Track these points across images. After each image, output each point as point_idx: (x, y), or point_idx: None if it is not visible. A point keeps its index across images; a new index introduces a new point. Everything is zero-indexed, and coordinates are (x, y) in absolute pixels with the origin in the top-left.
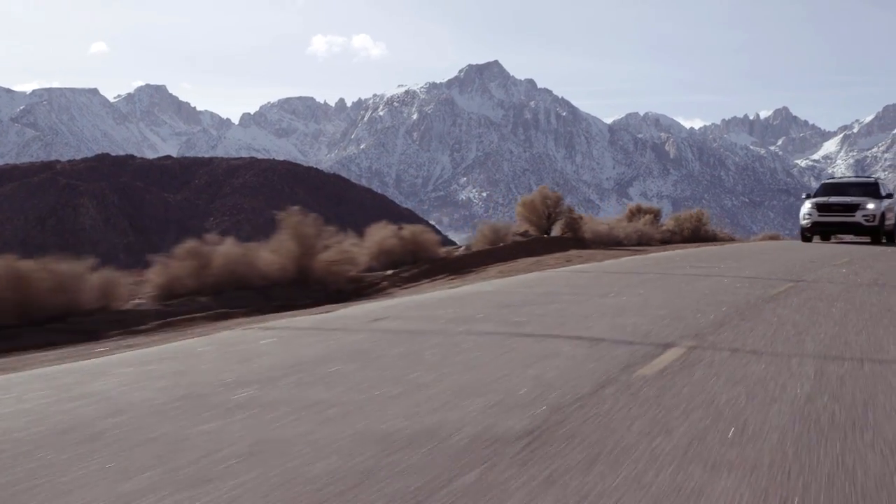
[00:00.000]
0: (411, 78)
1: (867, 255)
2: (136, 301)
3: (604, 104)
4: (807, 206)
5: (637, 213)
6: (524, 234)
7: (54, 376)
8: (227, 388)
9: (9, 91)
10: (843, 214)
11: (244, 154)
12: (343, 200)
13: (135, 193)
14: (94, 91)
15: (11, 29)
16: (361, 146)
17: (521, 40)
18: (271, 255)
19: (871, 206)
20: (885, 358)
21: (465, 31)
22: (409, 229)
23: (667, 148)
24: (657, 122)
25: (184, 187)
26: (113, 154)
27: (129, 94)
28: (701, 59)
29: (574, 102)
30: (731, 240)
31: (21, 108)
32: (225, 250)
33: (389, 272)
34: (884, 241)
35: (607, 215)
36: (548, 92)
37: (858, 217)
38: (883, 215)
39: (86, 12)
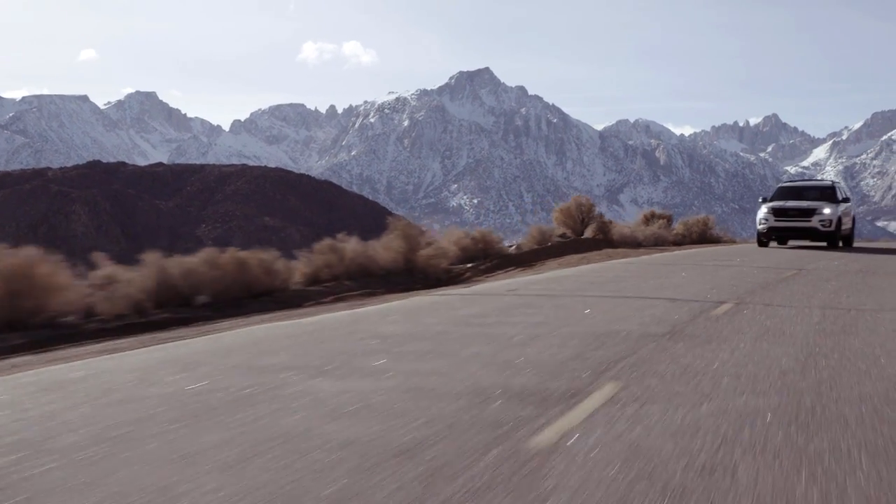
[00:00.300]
0: (402, 85)
1: (847, 257)
2: (295, 283)
3: (594, 111)
4: (763, 211)
5: (651, 218)
6: (562, 235)
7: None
8: (475, 318)
9: None
10: (800, 220)
11: (235, 161)
12: (335, 207)
13: (127, 200)
14: (84, 98)
15: (3, 37)
16: (352, 153)
17: (512, 47)
18: (384, 251)
19: (827, 211)
20: (864, 308)
21: (456, 38)
22: (478, 231)
23: (657, 154)
24: (647, 128)
25: (176, 194)
26: (104, 161)
27: (119, 101)
28: (691, 66)
29: (565, 109)
30: (732, 241)
31: (10, 114)
32: (351, 246)
33: (469, 265)
34: (840, 245)
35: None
36: (538, 99)
37: (815, 222)
38: (839, 220)
39: (75, 19)
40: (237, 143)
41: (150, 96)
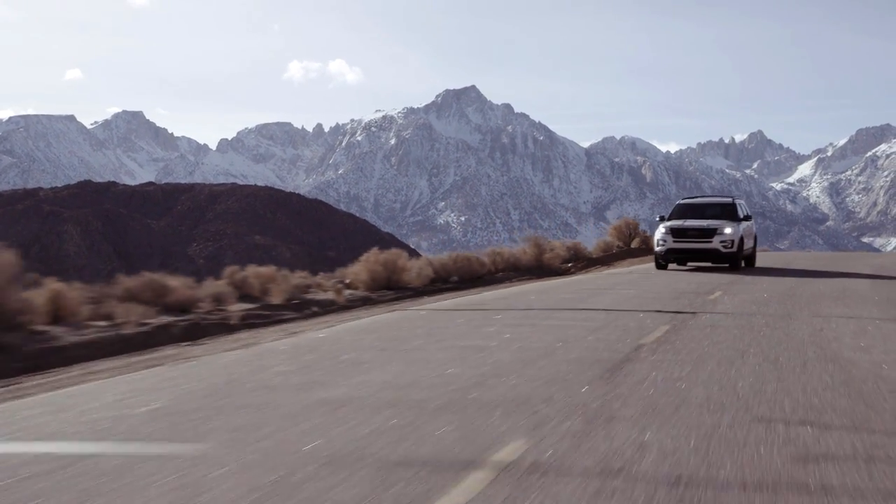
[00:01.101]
0: (388, 103)
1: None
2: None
3: (580, 128)
4: (661, 231)
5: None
6: (618, 247)
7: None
8: (620, 278)
9: None
10: (700, 240)
11: (222, 179)
12: (325, 225)
13: (118, 220)
14: (71, 118)
15: None
16: (339, 171)
17: (499, 65)
18: (523, 254)
19: (728, 230)
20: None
21: (442, 56)
22: (572, 242)
23: (643, 171)
24: (633, 145)
25: (166, 213)
26: (95, 181)
27: (105, 121)
28: (677, 84)
29: (551, 126)
30: None
31: None
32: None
33: (570, 265)
34: (742, 265)
35: (585, 239)
36: (525, 116)
37: (716, 243)
38: (741, 240)
39: (60, 39)
40: (224, 161)
41: (137, 115)
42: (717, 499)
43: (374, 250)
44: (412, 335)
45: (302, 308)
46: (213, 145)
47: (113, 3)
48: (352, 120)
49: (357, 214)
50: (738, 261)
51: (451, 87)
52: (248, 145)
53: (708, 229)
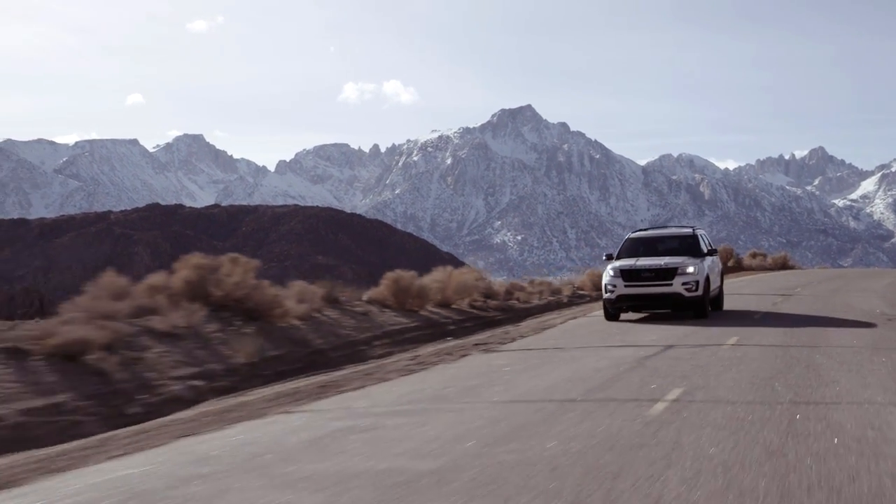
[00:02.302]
0: (444, 123)
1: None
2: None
3: (637, 146)
4: (608, 274)
5: (755, 255)
6: (724, 263)
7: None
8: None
9: (52, 143)
10: (658, 284)
11: (281, 201)
12: (385, 245)
13: (185, 241)
14: (134, 141)
15: (52, 84)
16: (396, 191)
17: (554, 84)
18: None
19: (691, 269)
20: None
21: (497, 76)
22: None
23: (701, 189)
24: (691, 163)
25: (231, 235)
26: (162, 203)
27: (167, 144)
28: (733, 100)
29: (607, 145)
30: (791, 267)
31: (64, 159)
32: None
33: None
34: (709, 310)
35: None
36: (581, 135)
37: (678, 286)
38: (707, 280)
39: (121, 65)
40: (283, 183)
41: (198, 138)
42: None
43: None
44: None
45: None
46: (271, 167)
47: (172, 29)
48: (408, 140)
49: (414, 234)
50: (704, 307)
51: (507, 107)
52: (305, 166)
53: (666, 269)
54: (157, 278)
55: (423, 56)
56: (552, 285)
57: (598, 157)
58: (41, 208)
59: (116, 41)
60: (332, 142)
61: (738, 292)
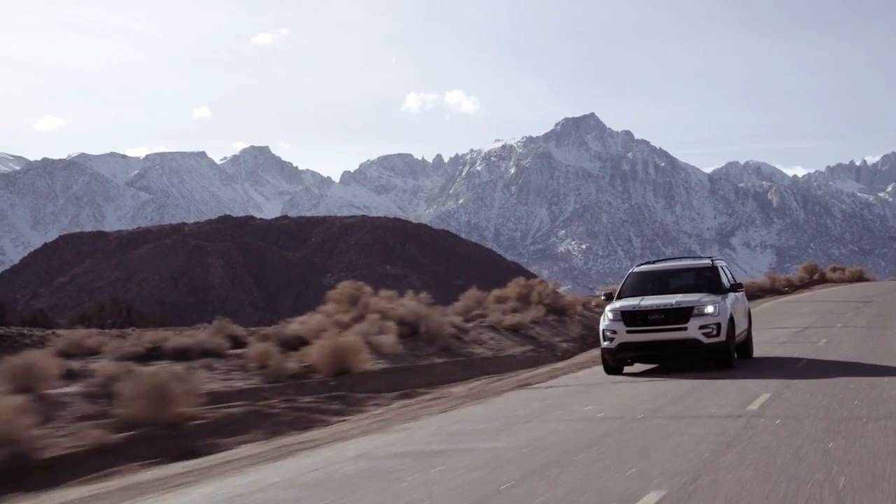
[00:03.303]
0: (506, 132)
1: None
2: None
3: (702, 153)
4: (607, 318)
5: (834, 270)
6: (811, 277)
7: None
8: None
9: (124, 157)
10: (669, 328)
11: (345, 211)
12: (452, 255)
13: (257, 252)
14: (202, 154)
15: (122, 98)
16: (460, 201)
17: (617, 92)
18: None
19: (710, 308)
20: None
21: (560, 84)
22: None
23: (769, 196)
24: (758, 170)
25: (301, 245)
26: (234, 215)
27: (234, 156)
28: (802, 105)
29: (672, 152)
30: (867, 279)
31: (135, 172)
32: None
33: (786, 288)
34: (734, 358)
35: None
36: (645, 143)
37: (694, 331)
38: (731, 322)
39: (188, 79)
40: (347, 193)
41: (264, 150)
42: None
43: None
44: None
45: None
46: (336, 178)
47: (237, 43)
48: (471, 150)
49: (479, 244)
50: (728, 356)
51: (570, 115)
52: (369, 177)
53: (679, 310)
54: (498, 291)
55: (484, 65)
56: None
57: (663, 165)
58: (114, 220)
59: (183, 56)
60: (396, 152)
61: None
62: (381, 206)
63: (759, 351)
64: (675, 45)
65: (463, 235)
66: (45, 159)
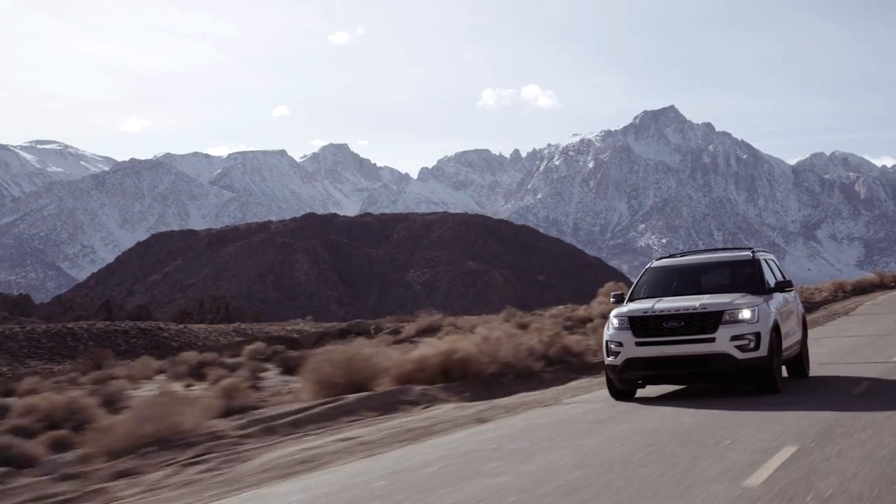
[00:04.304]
0: (584, 126)
1: None
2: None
3: (786, 145)
4: (612, 325)
5: None
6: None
7: None
8: None
9: (207, 156)
10: (691, 339)
11: (423, 208)
12: (533, 250)
13: (341, 249)
14: (283, 153)
15: (203, 98)
16: (538, 196)
17: (697, 83)
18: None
19: (746, 313)
20: None
21: (638, 77)
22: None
23: (856, 188)
24: (845, 161)
25: (384, 242)
26: (318, 213)
27: (313, 154)
28: (889, 94)
29: (754, 144)
30: None
31: (218, 171)
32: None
33: (893, 283)
34: (781, 378)
35: (794, 259)
36: (727, 135)
37: (724, 342)
38: (775, 331)
39: (267, 78)
40: (425, 189)
41: (342, 148)
42: None
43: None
44: None
45: None
46: (413, 174)
47: (315, 42)
48: (549, 144)
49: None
50: (771, 375)
51: (649, 108)
52: (447, 173)
53: (704, 314)
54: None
55: (560, 59)
56: None
57: (745, 157)
58: (198, 219)
59: (262, 56)
60: (473, 148)
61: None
62: (459, 202)
63: (817, 367)
64: (757, 35)
65: (541, 230)
66: (132, 160)
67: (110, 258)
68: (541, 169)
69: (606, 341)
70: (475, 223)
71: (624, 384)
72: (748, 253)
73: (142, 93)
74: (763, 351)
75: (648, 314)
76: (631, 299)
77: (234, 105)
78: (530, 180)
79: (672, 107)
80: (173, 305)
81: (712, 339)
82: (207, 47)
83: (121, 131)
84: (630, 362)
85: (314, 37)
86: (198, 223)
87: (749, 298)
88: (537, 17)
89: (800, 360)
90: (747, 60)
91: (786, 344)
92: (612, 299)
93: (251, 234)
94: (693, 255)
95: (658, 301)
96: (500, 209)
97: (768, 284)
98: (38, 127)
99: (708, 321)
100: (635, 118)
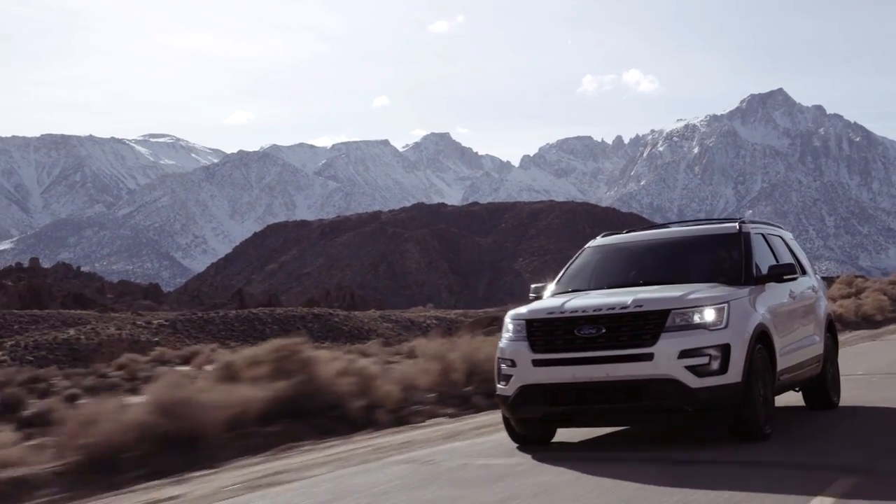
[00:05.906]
0: (688, 111)
1: None
2: None
3: None
4: (506, 331)
5: None
6: None
7: None
8: None
9: (311, 147)
10: (615, 355)
11: (525, 196)
12: None
13: (451, 238)
14: (385, 142)
15: (307, 89)
16: (641, 182)
17: (807, 65)
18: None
19: (708, 314)
20: None
21: (743, 60)
22: None
23: None
24: None
25: (492, 231)
26: (425, 203)
27: (416, 143)
28: None
29: (868, 126)
30: None
31: (323, 161)
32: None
33: None
34: (771, 419)
35: None
36: (838, 117)
37: (667, 361)
38: (762, 338)
39: (369, 68)
40: (527, 177)
41: (444, 137)
42: None
43: None
44: None
45: None
46: (515, 162)
47: (415, 32)
48: (652, 130)
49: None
50: (748, 411)
51: (756, 92)
52: (549, 160)
53: (637, 315)
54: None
55: (661, 43)
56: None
57: (858, 139)
58: (304, 209)
59: (363, 47)
60: (575, 135)
61: None
62: (562, 190)
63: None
64: (870, 13)
65: (645, 217)
66: (240, 151)
67: (221, 248)
68: (644, 155)
69: (497, 357)
70: (582, 211)
71: (523, 426)
72: (734, 225)
73: (247, 86)
74: (733, 374)
75: (555, 316)
76: (556, 294)
77: (336, 96)
78: (633, 167)
79: (780, 89)
80: (290, 294)
81: (649, 356)
82: (311, 40)
83: (227, 124)
84: (525, 392)
85: (414, 26)
86: (304, 213)
87: (721, 291)
88: (635, 1)
89: (822, 383)
90: (859, 39)
91: (790, 361)
92: (530, 294)
93: (362, 224)
94: (660, 230)
95: (573, 297)
96: (603, 196)
97: (757, 271)
98: (151, 120)
99: (643, 327)
100: (741, 102)
